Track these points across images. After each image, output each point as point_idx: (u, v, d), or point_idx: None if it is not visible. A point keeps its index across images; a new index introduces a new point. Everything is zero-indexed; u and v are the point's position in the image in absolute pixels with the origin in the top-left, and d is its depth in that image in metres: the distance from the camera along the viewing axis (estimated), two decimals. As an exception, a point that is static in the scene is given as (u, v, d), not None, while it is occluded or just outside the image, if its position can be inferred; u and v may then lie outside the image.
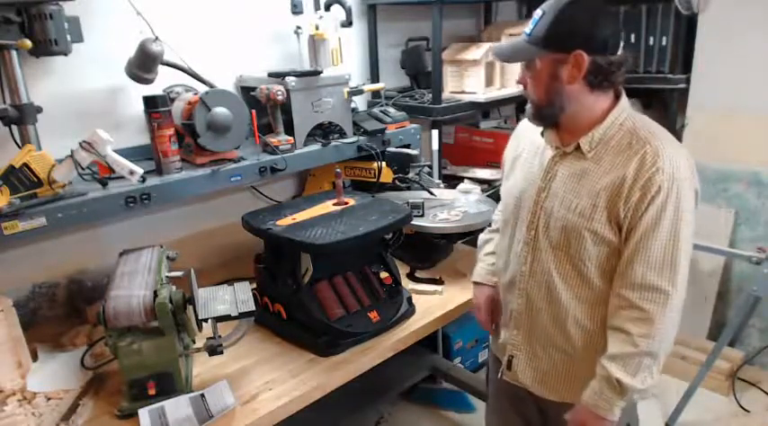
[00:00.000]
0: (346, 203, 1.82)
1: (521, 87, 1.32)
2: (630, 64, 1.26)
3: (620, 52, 1.21)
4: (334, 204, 1.82)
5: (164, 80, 1.91)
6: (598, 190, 1.23)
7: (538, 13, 1.22)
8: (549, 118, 1.29)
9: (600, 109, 1.26)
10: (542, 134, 1.36)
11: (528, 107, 1.32)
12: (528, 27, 1.24)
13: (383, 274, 1.80)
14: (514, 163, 1.46)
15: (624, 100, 1.28)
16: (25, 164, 1.44)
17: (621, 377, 1.22)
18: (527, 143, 1.44)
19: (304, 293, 1.64)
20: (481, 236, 1.70)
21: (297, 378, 1.52)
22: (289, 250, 1.65)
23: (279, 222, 1.69)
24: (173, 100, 1.85)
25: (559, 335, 1.36)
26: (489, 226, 1.70)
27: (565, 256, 1.31)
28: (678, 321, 1.24)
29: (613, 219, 1.23)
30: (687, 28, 2.72)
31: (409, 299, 1.81)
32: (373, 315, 1.70)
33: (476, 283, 1.64)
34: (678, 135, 2.86)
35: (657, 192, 1.17)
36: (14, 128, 1.61)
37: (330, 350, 1.61)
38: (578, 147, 1.27)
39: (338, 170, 1.83)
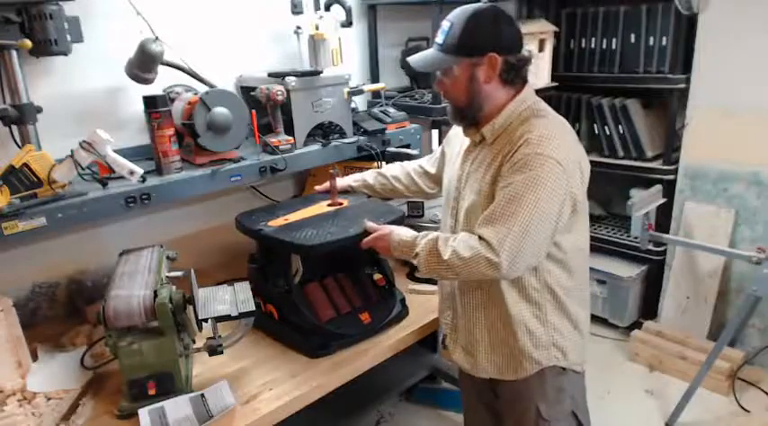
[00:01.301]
0: (340, 204, 1.82)
1: None
2: (531, 61, 1.38)
3: (524, 51, 1.36)
4: (329, 205, 1.82)
5: (164, 80, 1.91)
6: (490, 169, 1.34)
7: (446, 24, 1.35)
8: (469, 117, 1.40)
9: (504, 101, 1.37)
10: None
11: (448, 109, 1.45)
12: (439, 38, 1.37)
13: (376, 276, 1.80)
14: (447, 160, 1.60)
15: (526, 92, 1.38)
16: (25, 164, 1.44)
17: (440, 248, 1.30)
18: (456, 141, 1.56)
19: (295, 294, 1.64)
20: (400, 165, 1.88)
21: (297, 378, 1.52)
22: (279, 251, 1.65)
23: (271, 222, 1.69)
24: (173, 100, 1.85)
25: (480, 314, 1.47)
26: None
27: None
28: (485, 273, 1.26)
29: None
30: (687, 28, 2.72)
31: (402, 301, 1.81)
32: (364, 317, 1.70)
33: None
34: (678, 135, 2.86)
35: (517, 161, 1.26)
36: (14, 128, 1.61)
37: (320, 352, 1.61)
38: (483, 137, 1.39)
39: (332, 171, 1.83)
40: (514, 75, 1.35)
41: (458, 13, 1.34)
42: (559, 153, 1.25)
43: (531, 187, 1.23)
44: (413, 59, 1.44)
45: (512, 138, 1.32)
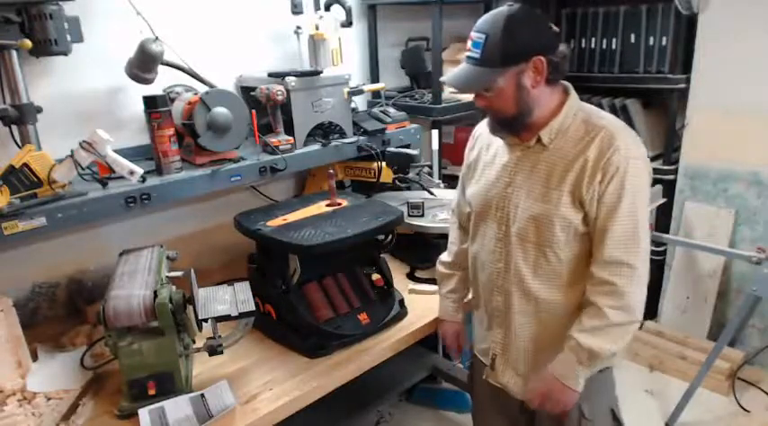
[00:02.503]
0: (339, 204, 1.82)
1: None
2: (569, 53, 1.33)
3: (561, 46, 1.28)
4: (327, 205, 1.82)
5: (164, 80, 1.91)
6: (564, 175, 1.29)
7: (479, 36, 1.25)
8: (518, 126, 1.33)
9: (554, 102, 1.33)
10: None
11: (491, 121, 1.37)
12: (473, 52, 1.26)
13: (375, 276, 1.80)
14: (475, 168, 1.50)
15: (574, 93, 1.36)
16: (25, 164, 1.44)
17: (591, 346, 1.27)
18: (482, 146, 1.49)
19: (293, 294, 1.64)
20: (440, 270, 1.70)
21: (297, 378, 1.52)
22: (277, 251, 1.65)
23: (269, 223, 1.69)
24: (173, 100, 1.85)
25: (536, 330, 1.40)
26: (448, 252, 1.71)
27: (533, 247, 1.35)
28: (645, 292, 1.30)
29: (577, 201, 1.28)
30: (687, 28, 2.72)
31: (401, 301, 1.81)
32: (363, 317, 1.69)
33: (442, 320, 1.70)
34: (678, 135, 2.86)
35: (616, 171, 1.23)
36: (14, 128, 1.61)
37: (318, 352, 1.61)
38: (539, 140, 1.33)
39: (331, 171, 1.83)
40: (557, 74, 1.29)
41: (489, 21, 1.24)
42: (645, 160, 1.28)
43: (636, 196, 1.25)
44: (449, 80, 1.33)
45: (588, 143, 1.26)
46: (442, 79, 1.40)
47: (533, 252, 1.35)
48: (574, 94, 1.35)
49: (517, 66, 1.24)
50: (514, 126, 1.33)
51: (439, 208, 2.13)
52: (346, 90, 2.08)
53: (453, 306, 1.68)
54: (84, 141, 1.50)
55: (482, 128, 1.49)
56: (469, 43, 1.28)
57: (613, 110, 2.99)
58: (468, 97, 2.56)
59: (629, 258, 1.26)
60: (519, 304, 1.40)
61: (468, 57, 1.28)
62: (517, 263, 1.38)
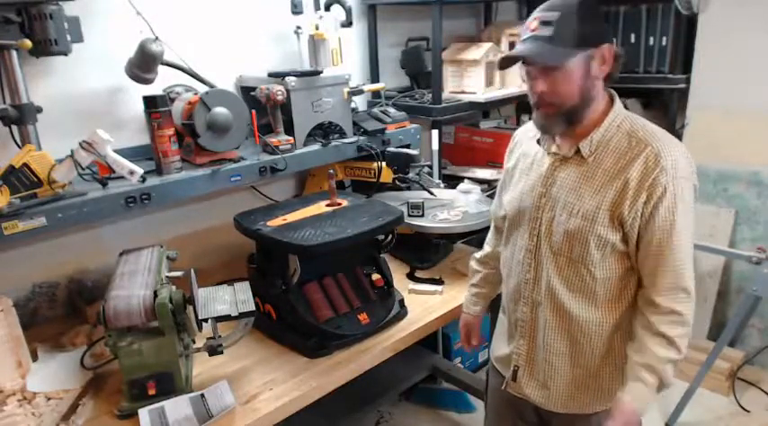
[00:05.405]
0: (339, 204, 1.82)
1: (521, 87, 1.31)
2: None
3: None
4: (327, 205, 1.82)
5: (164, 80, 1.91)
6: (602, 192, 1.23)
7: (552, 14, 1.18)
8: (575, 117, 1.24)
9: (598, 111, 1.27)
10: (539, 142, 1.36)
11: (543, 116, 1.26)
12: (543, 30, 1.18)
13: (375, 276, 1.79)
14: (512, 174, 1.46)
15: (618, 102, 1.29)
16: (25, 164, 1.44)
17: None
18: (521, 153, 1.44)
19: (293, 294, 1.64)
20: (470, 263, 1.70)
21: (297, 378, 1.52)
22: (276, 251, 1.65)
23: (269, 223, 1.69)
24: (173, 100, 1.85)
25: (565, 344, 1.35)
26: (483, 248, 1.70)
27: (567, 262, 1.30)
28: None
29: (616, 220, 1.22)
30: (687, 28, 2.72)
31: (401, 301, 1.80)
32: (363, 317, 1.69)
33: (462, 310, 1.73)
34: (678, 135, 2.86)
35: (663, 193, 1.18)
36: (14, 128, 1.61)
37: (318, 352, 1.60)
38: (578, 151, 1.27)
39: (331, 171, 1.83)
40: (614, 71, 1.23)
41: (561, 2, 1.18)
42: (693, 177, 1.23)
43: (686, 218, 1.20)
44: (519, 50, 1.22)
45: (632, 159, 1.20)
46: (507, 53, 1.27)
47: (567, 268, 1.30)
48: (618, 103, 1.28)
49: (588, 50, 1.18)
50: (572, 118, 1.24)
51: (439, 208, 2.13)
52: (346, 90, 2.08)
53: (473, 300, 1.68)
54: (84, 141, 1.50)
55: (522, 132, 1.45)
56: (535, 23, 1.19)
57: (613, 110, 3.00)
58: (469, 97, 2.57)
59: (685, 283, 1.22)
60: (550, 317, 1.35)
61: (536, 38, 1.19)
62: (550, 277, 1.32)
